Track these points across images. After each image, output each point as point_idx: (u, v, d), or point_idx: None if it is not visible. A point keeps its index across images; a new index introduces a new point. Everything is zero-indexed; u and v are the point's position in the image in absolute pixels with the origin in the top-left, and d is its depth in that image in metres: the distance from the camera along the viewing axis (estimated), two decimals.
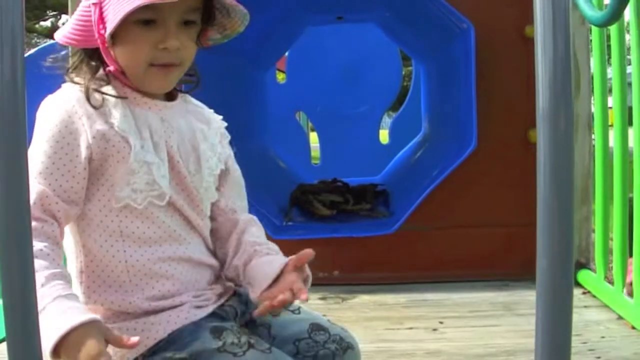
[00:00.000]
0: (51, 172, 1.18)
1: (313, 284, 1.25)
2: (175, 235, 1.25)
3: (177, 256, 1.24)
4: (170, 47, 1.24)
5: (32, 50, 4.78)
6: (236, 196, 1.41)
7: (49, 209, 1.17)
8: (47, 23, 16.82)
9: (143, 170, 1.22)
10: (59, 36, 1.28)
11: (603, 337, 1.85)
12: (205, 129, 1.36)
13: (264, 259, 1.29)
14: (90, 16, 1.24)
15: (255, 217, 1.40)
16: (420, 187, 2.46)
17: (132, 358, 1.16)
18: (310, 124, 5.47)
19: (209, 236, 1.33)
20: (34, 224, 1.08)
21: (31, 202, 1.04)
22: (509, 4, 2.45)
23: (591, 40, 2.28)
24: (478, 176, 2.44)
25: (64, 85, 1.28)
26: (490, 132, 2.40)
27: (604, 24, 1.79)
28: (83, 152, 1.19)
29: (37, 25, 16.46)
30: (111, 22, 1.19)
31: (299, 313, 1.31)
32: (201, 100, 1.38)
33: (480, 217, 2.45)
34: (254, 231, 1.36)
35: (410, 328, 1.93)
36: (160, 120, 1.29)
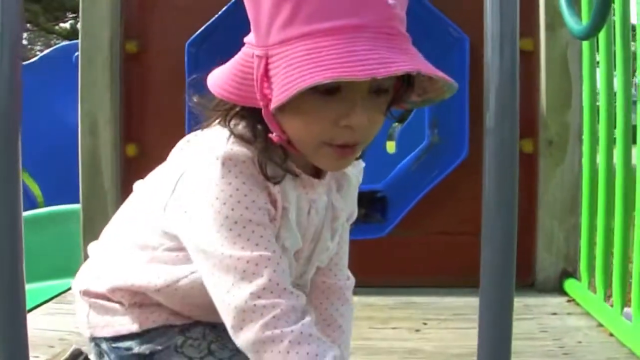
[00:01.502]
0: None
1: None
2: None
3: None
4: (356, 125, 1.00)
5: (48, 50, 4.92)
6: (338, 263, 1.28)
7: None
8: (67, 25, 17.02)
9: None
10: (214, 85, 1.06)
11: (580, 342, 1.90)
12: (339, 204, 1.18)
13: None
14: (252, 68, 1.02)
15: (350, 286, 1.29)
16: (414, 194, 2.52)
17: (101, 336, 1.21)
18: None
19: None
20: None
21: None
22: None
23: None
24: (470, 184, 2.50)
25: (227, 137, 1.05)
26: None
27: (585, 37, 1.87)
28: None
29: (56, 27, 16.67)
30: (280, 93, 0.96)
31: None
32: None
33: (471, 225, 2.50)
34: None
35: (394, 328, 2.00)
36: (308, 208, 1.12)
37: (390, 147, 5.49)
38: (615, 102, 2.01)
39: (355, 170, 1.18)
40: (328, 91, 0.96)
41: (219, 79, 1.06)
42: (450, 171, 2.45)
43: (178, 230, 1.09)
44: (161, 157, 1.26)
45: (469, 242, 2.49)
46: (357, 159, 1.13)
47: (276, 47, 0.96)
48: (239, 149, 1.02)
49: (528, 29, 2.48)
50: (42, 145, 4.09)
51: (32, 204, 4.53)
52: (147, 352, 1.18)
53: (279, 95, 0.95)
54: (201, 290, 1.07)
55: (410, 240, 2.51)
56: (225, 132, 1.04)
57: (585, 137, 2.28)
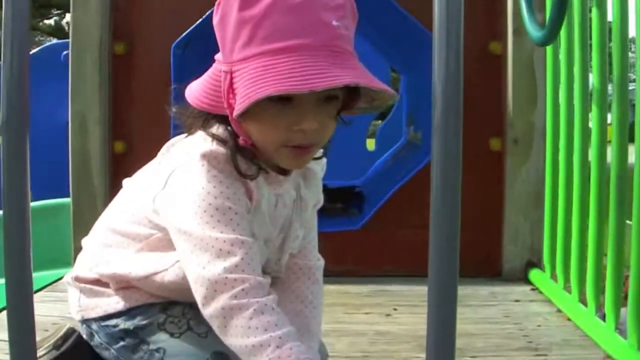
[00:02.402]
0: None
1: None
2: None
3: None
4: (307, 129, 1.14)
5: (36, 49, 5.01)
6: (307, 246, 1.38)
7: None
8: (51, 21, 17.02)
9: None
10: (191, 96, 1.21)
11: (539, 325, 2.05)
12: (306, 195, 1.32)
13: None
14: (220, 81, 1.16)
15: (320, 266, 1.39)
16: (388, 189, 2.66)
17: (91, 317, 1.34)
18: None
19: None
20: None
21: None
22: (474, 22, 2.65)
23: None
24: None
25: (206, 139, 1.20)
26: None
27: (544, 43, 2.01)
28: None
29: (41, 24, 16.66)
30: (240, 103, 1.10)
31: None
32: None
33: None
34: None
35: (367, 313, 2.14)
36: (275, 202, 1.25)
37: (370, 144, 5.64)
38: (574, 103, 2.16)
39: (319, 165, 1.32)
40: (282, 100, 1.10)
41: (195, 90, 1.20)
42: (422, 167, 2.58)
43: (165, 218, 1.23)
44: (147, 153, 1.40)
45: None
46: (319, 157, 1.28)
47: (238, 64, 1.10)
48: (220, 149, 1.17)
49: (497, 34, 2.63)
50: (31, 142, 4.18)
51: None
52: (132, 327, 1.31)
53: (239, 105, 1.09)
54: (175, 283, 1.23)
55: (383, 233, 2.65)
56: (207, 135, 1.18)
57: (548, 136, 2.42)
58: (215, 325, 1.14)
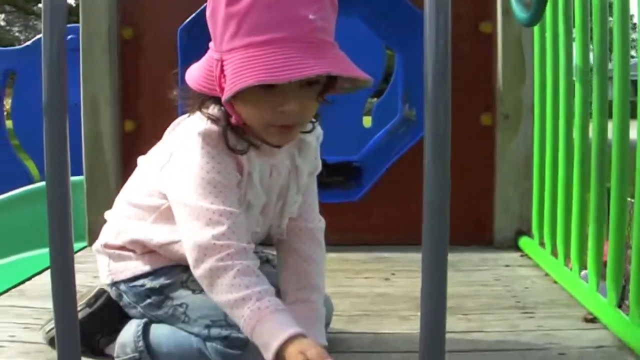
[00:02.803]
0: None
1: None
2: None
3: None
4: (289, 111, 1.28)
5: (39, 36, 5.10)
6: (308, 209, 1.54)
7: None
8: None
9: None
10: (190, 79, 1.35)
11: (527, 287, 2.19)
12: (301, 164, 1.47)
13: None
14: (213, 67, 1.30)
15: (321, 228, 1.56)
16: (384, 163, 2.80)
17: (120, 279, 1.50)
18: None
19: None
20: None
21: None
22: (466, 3, 2.77)
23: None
24: None
25: (202, 119, 1.35)
26: None
27: (529, 24, 2.14)
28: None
29: (34, 7, 16.68)
30: (227, 90, 1.24)
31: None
32: None
33: None
34: (307, 267, 1.49)
35: (366, 277, 2.29)
36: (269, 172, 1.41)
37: (367, 121, 5.78)
38: (559, 79, 2.29)
39: (313, 136, 1.48)
40: (266, 86, 1.24)
41: (193, 74, 1.36)
42: (416, 142, 2.72)
43: (167, 189, 1.38)
44: (156, 132, 1.55)
45: None
46: (309, 131, 1.45)
47: (226, 53, 1.25)
48: (214, 127, 1.33)
49: (487, 14, 2.75)
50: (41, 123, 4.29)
51: (29, 180, 4.77)
52: (157, 286, 1.47)
53: (226, 91, 1.24)
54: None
55: (381, 204, 2.79)
56: (203, 115, 1.34)
57: (535, 111, 2.55)
58: (204, 285, 1.31)
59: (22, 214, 3.18)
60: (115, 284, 1.53)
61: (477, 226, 2.80)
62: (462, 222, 2.78)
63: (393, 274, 2.32)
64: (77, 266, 2.05)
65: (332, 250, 2.64)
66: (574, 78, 2.14)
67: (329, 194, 2.89)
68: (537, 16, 1.98)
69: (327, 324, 1.63)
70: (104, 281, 1.56)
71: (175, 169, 1.37)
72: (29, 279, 2.21)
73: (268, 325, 1.24)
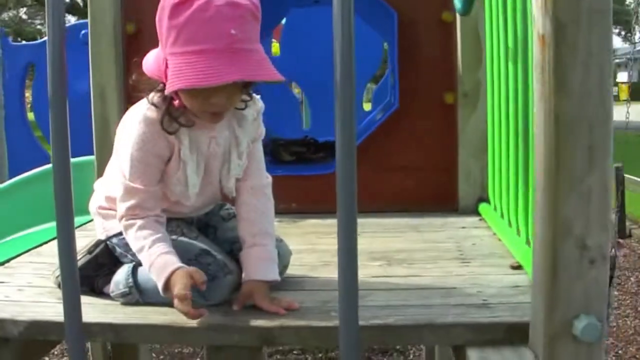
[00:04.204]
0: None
1: (276, 213, 1.89)
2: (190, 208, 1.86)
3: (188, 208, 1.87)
4: (217, 103, 1.62)
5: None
6: (254, 170, 1.87)
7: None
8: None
9: (184, 182, 1.75)
10: (147, 65, 1.69)
11: (474, 244, 2.49)
12: (239, 134, 1.79)
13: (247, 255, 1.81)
14: (161, 62, 1.61)
15: (268, 184, 1.90)
16: (359, 140, 3.14)
17: (112, 234, 1.89)
18: None
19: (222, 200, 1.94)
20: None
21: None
22: None
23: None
24: (404, 130, 3.12)
25: (146, 106, 1.70)
26: (414, 96, 3.08)
27: (463, 13, 2.46)
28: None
29: None
30: (168, 87, 1.57)
31: None
32: None
33: (405, 163, 3.13)
34: (256, 217, 1.84)
35: (333, 237, 2.56)
36: (208, 142, 1.75)
37: (367, 106, 6.14)
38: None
39: (251, 110, 1.82)
40: None
41: (149, 61, 1.68)
42: (385, 119, 3.05)
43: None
44: None
45: (398, 175, 3.13)
46: (241, 109, 1.78)
47: (169, 55, 1.59)
48: (151, 113, 1.68)
49: (448, 5, 3.05)
50: None
51: (46, 159, 5.14)
52: None
53: (167, 88, 1.58)
54: (165, 210, 1.79)
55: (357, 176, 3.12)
56: (147, 100, 1.69)
57: (488, 90, 2.86)
58: (125, 236, 1.75)
59: (44, 190, 3.54)
60: (109, 238, 1.89)
61: (443, 195, 3.11)
62: (430, 191, 3.12)
63: (359, 234, 2.63)
64: (86, 232, 2.49)
65: (314, 217, 3.02)
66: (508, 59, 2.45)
67: (311, 167, 3.25)
68: (467, 7, 2.30)
69: (285, 266, 1.99)
70: (100, 237, 1.93)
71: (119, 148, 1.77)
72: (46, 242, 2.58)
73: (156, 266, 1.66)
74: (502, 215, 2.68)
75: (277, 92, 5.25)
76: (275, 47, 5.90)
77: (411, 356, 4.40)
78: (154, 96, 1.70)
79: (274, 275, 1.78)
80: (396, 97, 3.04)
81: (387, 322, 1.68)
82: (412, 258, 2.30)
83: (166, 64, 1.58)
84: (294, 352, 4.50)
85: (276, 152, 3.57)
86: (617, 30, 44.17)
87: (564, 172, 1.47)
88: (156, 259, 1.66)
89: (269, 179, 1.94)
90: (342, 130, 1.21)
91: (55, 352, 4.02)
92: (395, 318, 1.70)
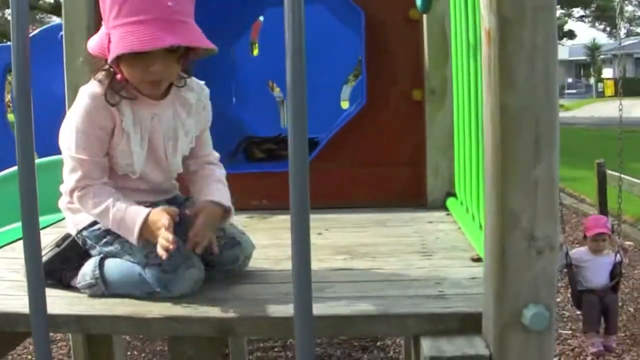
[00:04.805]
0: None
1: (247, 209, 1.96)
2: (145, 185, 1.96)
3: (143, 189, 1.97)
4: (155, 71, 1.75)
5: (37, 31, 5.50)
6: (205, 150, 2.04)
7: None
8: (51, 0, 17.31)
9: (129, 154, 1.85)
10: (91, 45, 1.83)
11: (438, 238, 2.54)
12: (184, 116, 1.91)
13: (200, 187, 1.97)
14: (104, 39, 1.75)
15: (216, 158, 2.06)
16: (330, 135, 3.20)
17: (82, 227, 1.94)
18: None
19: (172, 178, 2.03)
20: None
21: None
22: None
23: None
24: (373, 127, 3.18)
25: (92, 82, 1.83)
26: (382, 93, 3.15)
27: (424, 11, 2.53)
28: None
29: (40, 2, 17.00)
30: (111, 54, 1.70)
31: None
32: None
33: (374, 159, 3.19)
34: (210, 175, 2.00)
35: None
36: (151, 118, 1.85)
37: (344, 104, 6.21)
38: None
39: (196, 94, 1.94)
40: (139, 53, 1.69)
41: (92, 43, 1.82)
42: (354, 115, 3.11)
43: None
44: None
45: (367, 171, 3.19)
46: (181, 86, 1.91)
47: (111, 29, 1.73)
48: (95, 88, 1.80)
49: (414, 2, 3.12)
50: (37, 111, 4.68)
51: None
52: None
53: (111, 55, 1.70)
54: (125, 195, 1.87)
55: (325, 171, 3.15)
56: (93, 77, 1.80)
57: (454, 87, 2.93)
58: (81, 208, 1.85)
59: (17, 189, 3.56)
60: (79, 232, 1.94)
61: (412, 190, 3.17)
62: (399, 187, 3.18)
63: (326, 230, 2.70)
64: (60, 229, 2.49)
65: (283, 213, 3.03)
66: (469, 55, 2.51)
67: (281, 164, 3.30)
68: (427, 4, 2.38)
69: (247, 257, 2.06)
70: (71, 232, 1.98)
71: (65, 122, 1.86)
72: (20, 239, 2.61)
73: (127, 218, 1.78)
74: (467, 210, 2.75)
75: (255, 91, 5.31)
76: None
77: (391, 352, 4.46)
78: (99, 74, 1.81)
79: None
80: (364, 93, 3.10)
81: (342, 312, 1.74)
82: (375, 252, 2.35)
83: (109, 38, 1.71)
84: (275, 349, 4.55)
85: (249, 149, 3.63)
86: (602, 27, 44.46)
87: (511, 165, 1.52)
88: (126, 210, 1.78)
89: (217, 156, 2.08)
90: (294, 125, 1.30)
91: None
92: (352, 309, 1.76)
